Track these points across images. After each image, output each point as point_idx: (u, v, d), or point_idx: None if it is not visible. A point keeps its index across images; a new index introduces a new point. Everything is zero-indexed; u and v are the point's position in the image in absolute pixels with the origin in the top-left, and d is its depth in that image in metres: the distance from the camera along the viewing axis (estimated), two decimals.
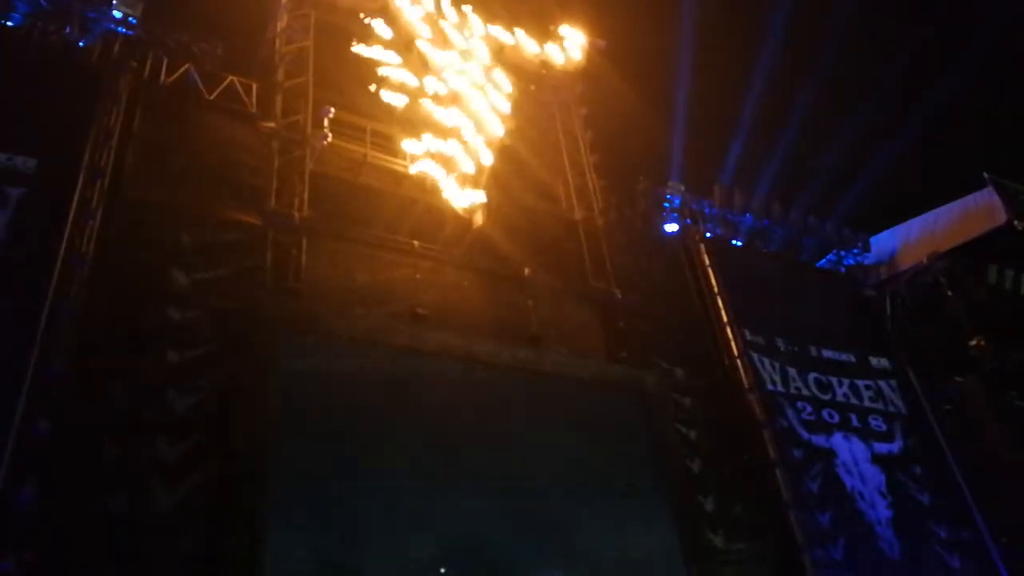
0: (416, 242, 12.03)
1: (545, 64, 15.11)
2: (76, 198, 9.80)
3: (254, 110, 11.96)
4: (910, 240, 17.16)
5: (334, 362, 10.32)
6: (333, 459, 9.60)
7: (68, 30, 11.48)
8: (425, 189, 12.07)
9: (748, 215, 16.35)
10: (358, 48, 12.68)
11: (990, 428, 16.41)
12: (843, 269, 17.51)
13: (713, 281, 14.72)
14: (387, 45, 12.90)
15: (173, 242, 10.28)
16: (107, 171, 10.22)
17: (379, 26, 13.05)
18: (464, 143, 12.62)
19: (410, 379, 10.79)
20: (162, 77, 11.68)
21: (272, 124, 11.72)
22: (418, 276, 11.70)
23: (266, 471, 9.08)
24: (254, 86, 12.16)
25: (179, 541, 8.34)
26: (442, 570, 9.57)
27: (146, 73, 11.52)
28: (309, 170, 11.57)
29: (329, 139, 11.78)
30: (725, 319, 14.35)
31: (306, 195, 11.36)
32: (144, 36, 11.59)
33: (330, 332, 10.63)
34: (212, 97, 11.87)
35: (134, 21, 11.51)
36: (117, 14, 11.51)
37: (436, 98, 12.75)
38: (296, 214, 11.17)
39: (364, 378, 10.43)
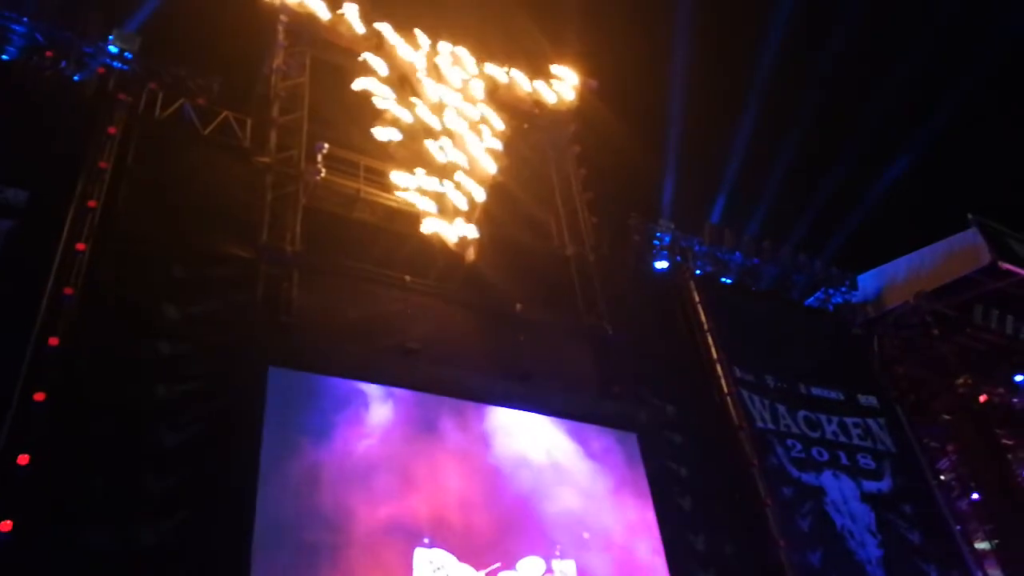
0: (408, 277, 12.05)
1: (538, 103, 15.30)
2: (66, 231, 9.82)
3: (248, 145, 12.03)
4: (897, 279, 17.36)
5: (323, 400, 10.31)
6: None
7: (64, 64, 11.55)
8: (418, 224, 12.12)
9: (737, 253, 16.52)
10: (356, 83, 12.81)
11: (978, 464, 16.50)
12: (831, 307, 17.67)
13: (703, 318, 14.83)
14: (382, 82, 13.04)
15: (164, 276, 10.27)
16: (99, 204, 10.22)
17: (374, 63, 13.20)
18: (457, 180, 12.72)
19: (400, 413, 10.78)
20: (157, 111, 11.76)
21: (266, 159, 11.77)
22: (410, 311, 11.69)
23: (252, 512, 8.99)
24: (249, 121, 12.25)
25: None
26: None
27: (141, 107, 11.59)
28: (302, 205, 11.60)
29: (323, 174, 11.84)
30: (715, 356, 14.42)
31: (299, 229, 11.37)
32: (140, 71, 11.66)
33: (321, 367, 10.60)
34: (207, 132, 11.94)
35: (130, 56, 11.58)
36: (114, 49, 11.59)
37: (430, 135, 12.87)
38: (288, 248, 11.17)
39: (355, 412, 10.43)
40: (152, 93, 11.76)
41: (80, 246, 9.78)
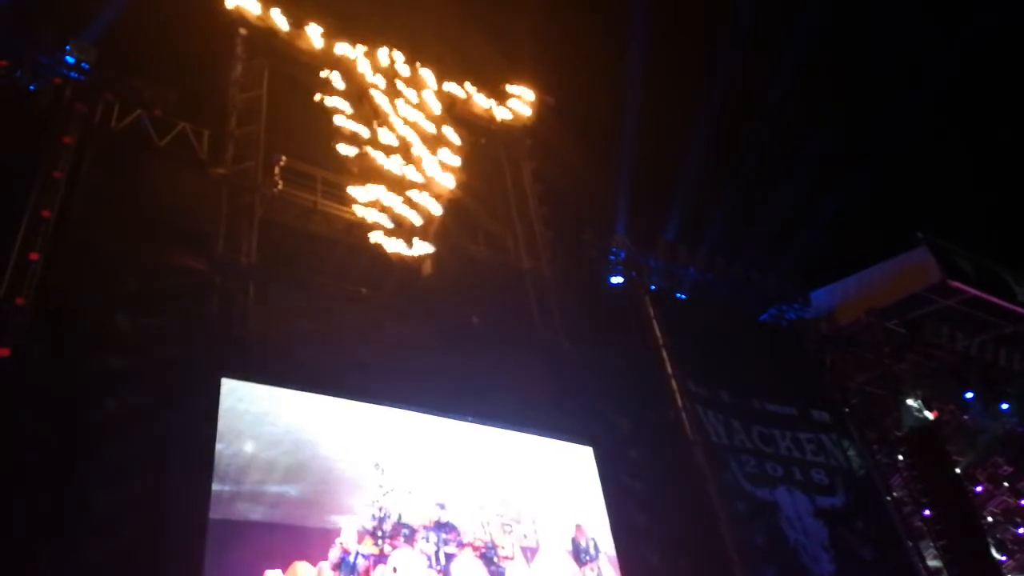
0: (364, 290, 12.10)
1: (495, 119, 15.53)
2: (19, 240, 9.74)
3: (205, 157, 12.03)
4: (849, 297, 17.71)
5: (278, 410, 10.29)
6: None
7: (19, 74, 11.49)
8: (374, 238, 12.18)
9: (691, 269, 16.74)
10: (315, 98, 12.91)
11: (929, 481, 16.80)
12: (784, 323, 17.94)
13: (658, 333, 14.98)
14: (340, 96, 13.14)
15: (117, 287, 10.21)
16: (53, 214, 10.15)
17: (333, 78, 13.31)
18: (414, 195, 12.83)
19: (355, 427, 10.80)
20: (113, 122, 11.72)
21: (223, 171, 11.78)
22: (365, 324, 11.72)
23: (204, 524, 8.92)
24: (206, 133, 12.25)
25: None
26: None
27: (97, 118, 11.54)
28: (259, 217, 11.63)
29: (280, 187, 11.90)
30: (670, 371, 14.55)
31: (255, 242, 11.39)
32: (96, 81, 11.64)
33: (275, 379, 10.58)
34: (163, 143, 11.93)
35: (87, 67, 11.56)
36: (70, 59, 11.57)
37: (387, 149, 12.98)
38: (244, 260, 11.18)
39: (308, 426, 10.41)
40: (108, 104, 11.71)
41: (33, 256, 9.70)
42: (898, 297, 17.02)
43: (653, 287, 16.01)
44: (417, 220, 12.59)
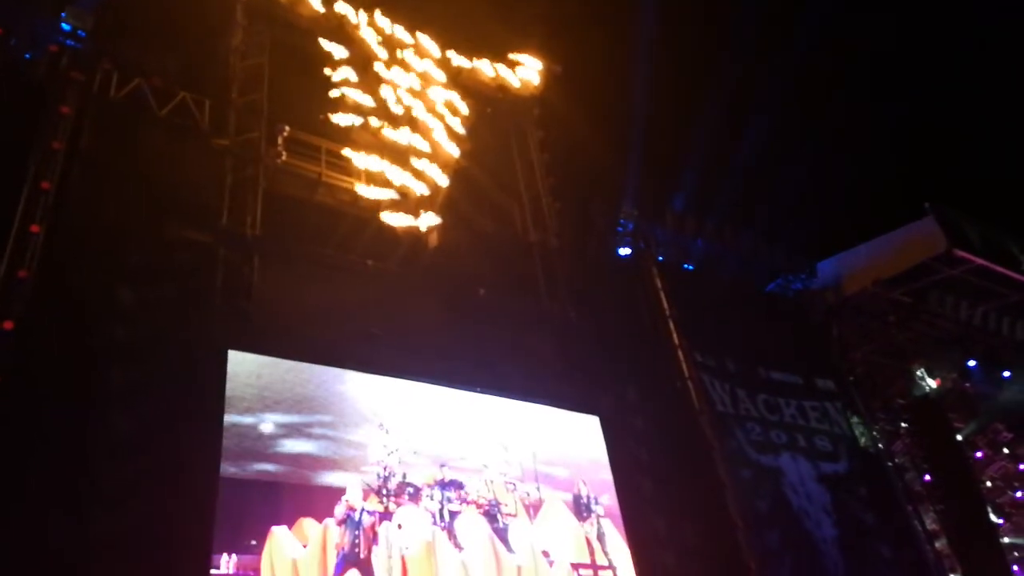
0: (370, 262, 12.00)
1: (502, 88, 15.27)
2: (19, 213, 9.60)
3: (206, 127, 11.82)
4: (855, 267, 17.67)
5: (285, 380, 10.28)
6: None
7: (14, 42, 11.22)
8: (380, 209, 12.04)
9: (700, 240, 16.70)
10: (318, 67, 12.66)
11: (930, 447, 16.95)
12: (791, 294, 17.94)
13: (665, 304, 14.97)
14: (343, 65, 12.88)
15: (120, 260, 10.08)
16: (53, 186, 9.97)
17: (336, 46, 13.03)
18: (419, 165, 12.66)
19: (361, 394, 10.84)
20: (112, 91, 11.47)
21: (225, 141, 11.58)
22: (371, 297, 11.64)
23: (215, 487, 8.94)
24: (207, 103, 11.99)
25: (122, 566, 8.08)
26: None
27: (95, 87, 11.28)
28: (262, 188, 11.46)
29: (283, 157, 11.71)
30: (676, 341, 14.58)
31: (259, 213, 11.24)
32: (93, 49, 11.36)
33: (282, 352, 10.55)
34: (163, 113, 11.70)
35: (83, 34, 11.28)
36: (66, 27, 11.28)
37: (392, 119, 12.76)
38: (248, 232, 11.04)
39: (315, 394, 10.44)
40: (106, 72, 11.42)
41: (34, 228, 9.54)
42: (904, 267, 16.99)
43: (661, 258, 15.96)
44: (423, 191, 12.43)
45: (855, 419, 16.23)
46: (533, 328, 13.09)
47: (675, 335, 14.58)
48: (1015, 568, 23.38)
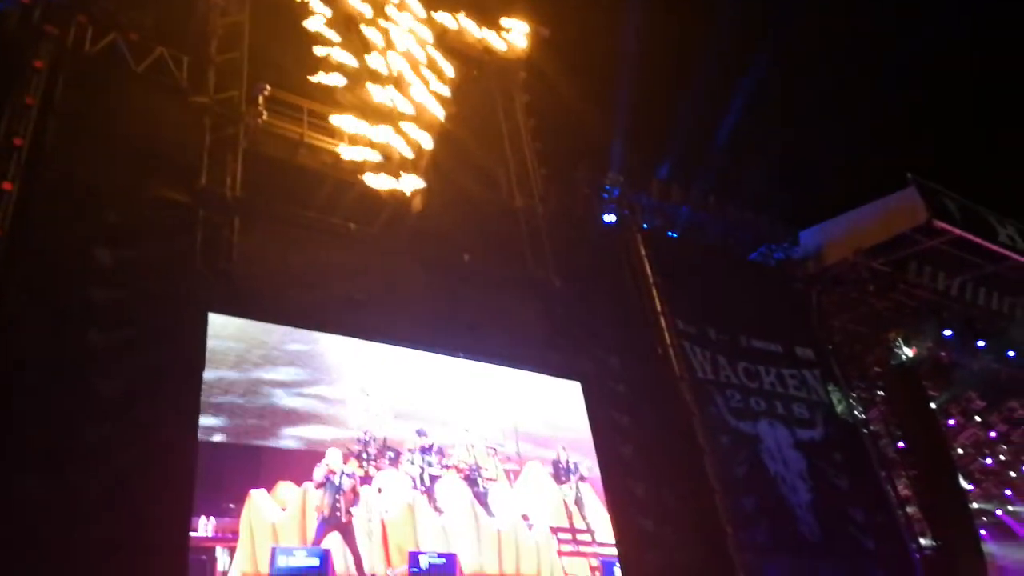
0: (352, 225, 11.86)
1: (488, 50, 15.03)
2: None
3: (185, 84, 11.53)
4: (837, 236, 17.78)
5: (265, 344, 10.22)
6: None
7: None
8: (362, 172, 11.87)
9: (684, 208, 16.70)
10: (300, 24, 12.35)
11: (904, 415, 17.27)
12: (773, 262, 18.05)
13: (649, 271, 15.01)
14: (327, 24, 12.58)
15: (96, 220, 9.87)
16: (26, 143, 9.71)
17: (319, 4, 12.71)
18: (404, 127, 12.46)
19: (342, 358, 10.80)
20: (87, 46, 11.14)
21: (204, 99, 11.31)
22: (354, 260, 11.53)
23: (194, 450, 8.91)
24: (185, 60, 11.69)
25: (101, 528, 8.06)
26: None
27: (69, 41, 10.93)
28: (243, 149, 11.24)
29: (264, 117, 11.49)
30: (659, 309, 14.65)
31: (239, 174, 11.04)
32: (68, 2, 11.00)
33: (263, 315, 10.47)
34: (140, 69, 11.40)
35: None
36: None
37: (376, 80, 12.52)
38: (228, 193, 10.85)
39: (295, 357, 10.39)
40: (81, 26, 11.07)
41: (7, 186, 9.31)
42: (885, 237, 17.12)
43: (645, 225, 15.95)
44: (407, 153, 12.26)
45: (832, 387, 16.45)
46: (517, 294, 13.07)
47: (658, 302, 14.64)
48: (983, 532, 24.10)
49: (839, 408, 16.21)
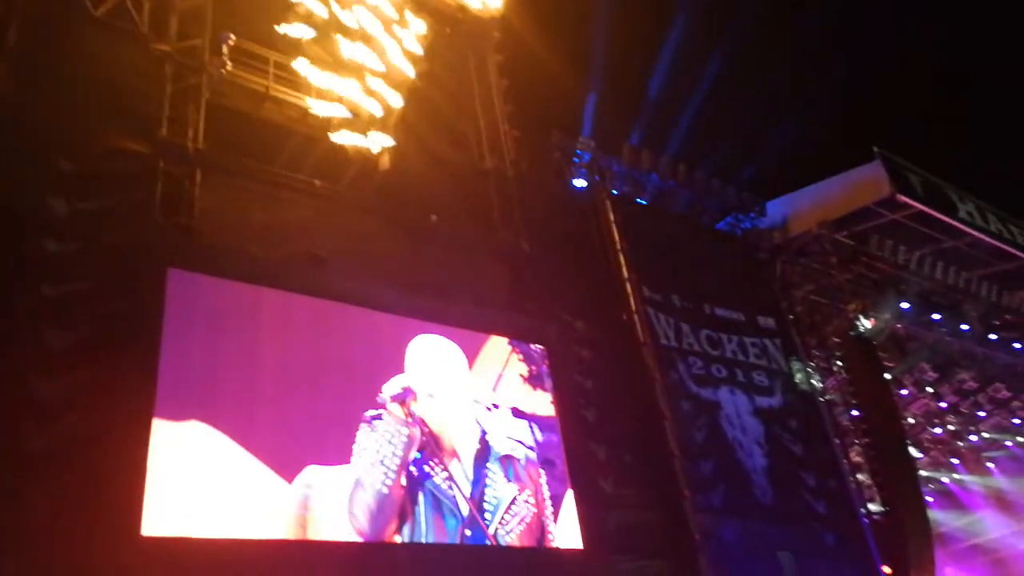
0: (318, 182, 11.65)
1: (462, 8, 14.72)
2: None
3: (146, 31, 11.12)
4: (802, 208, 17.99)
5: (226, 305, 10.04)
6: None
7: None
8: (329, 128, 11.64)
9: (654, 175, 16.71)
10: None
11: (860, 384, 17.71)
12: (740, 232, 18.20)
13: (617, 238, 15.02)
14: None
15: (51, 169, 9.53)
16: None
17: None
18: (373, 83, 12.20)
19: (309, 326, 10.66)
20: None
21: (165, 47, 10.95)
22: (319, 218, 11.36)
23: (149, 416, 8.80)
24: (146, 4, 11.25)
25: (53, 483, 7.95)
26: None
27: None
28: (205, 100, 10.94)
29: (228, 68, 11.17)
30: (626, 275, 14.70)
31: (201, 126, 10.75)
32: None
33: (224, 271, 10.27)
34: (99, 13, 10.95)
35: None
36: None
37: (345, 33, 12.21)
38: (190, 145, 10.58)
39: (259, 324, 10.22)
40: None
41: None
42: (849, 210, 17.38)
43: (615, 192, 15.93)
44: (376, 111, 12.03)
45: (792, 356, 16.75)
46: (484, 256, 13.03)
47: (625, 269, 14.69)
48: (929, 499, 24.98)
49: (797, 377, 16.54)
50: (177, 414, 8.96)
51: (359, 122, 11.81)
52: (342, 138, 11.64)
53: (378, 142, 11.82)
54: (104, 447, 8.35)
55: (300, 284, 10.76)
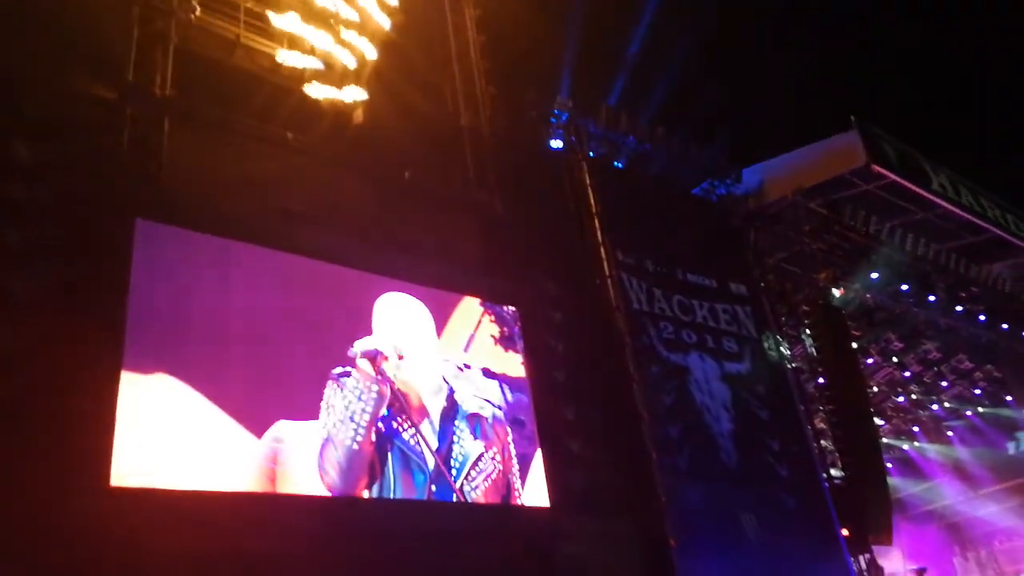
0: (290, 134, 11.43)
1: None
2: None
3: None
4: (778, 175, 18.00)
5: (194, 257, 9.89)
6: None
7: None
8: (302, 80, 11.39)
9: (631, 138, 16.60)
10: None
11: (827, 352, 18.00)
12: (714, 198, 18.21)
13: (592, 200, 14.94)
14: None
15: (14, 113, 9.25)
16: None
17: None
18: (346, 35, 11.93)
19: (279, 280, 10.55)
20: None
21: None
22: (290, 171, 11.17)
23: (118, 367, 8.71)
24: None
25: (18, 434, 7.85)
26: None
27: None
28: (174, 45, 10.65)
29: (197, 12, 10.86)
30: (600, 238, 14.67)
31: (170, 72, 10.49)
32: None
33: (193, 223, 10.10)
34: None
35: None
36: None
37: None
38: (158, 92, 10.33)
39: (228, 277, 10.09)
40: None
41: None
42: (824, 178, 17.43)
43: (592, 154, 15.82)
44: (350, 63, 11.78)
45: (762, 323, 16.91)
46: (458, 215, 12.93)
47: (599, 232, 14.66)
48: (889, 466, 25.63)
49: (766, 344, 16.72)
50: (144, 366, 8.87)
51: (332, 74, 11.58)
52: (315, 90, 11.40)
53: (351, 95, 11.59)
54: (71, 398, 8.27)
55: (270, 238, 10.62)
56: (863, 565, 15.45)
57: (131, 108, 10.09)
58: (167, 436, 8.73)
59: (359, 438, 10.03)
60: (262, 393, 9.67)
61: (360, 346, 10.45)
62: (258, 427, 9.40)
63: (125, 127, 10.01)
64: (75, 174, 9.36)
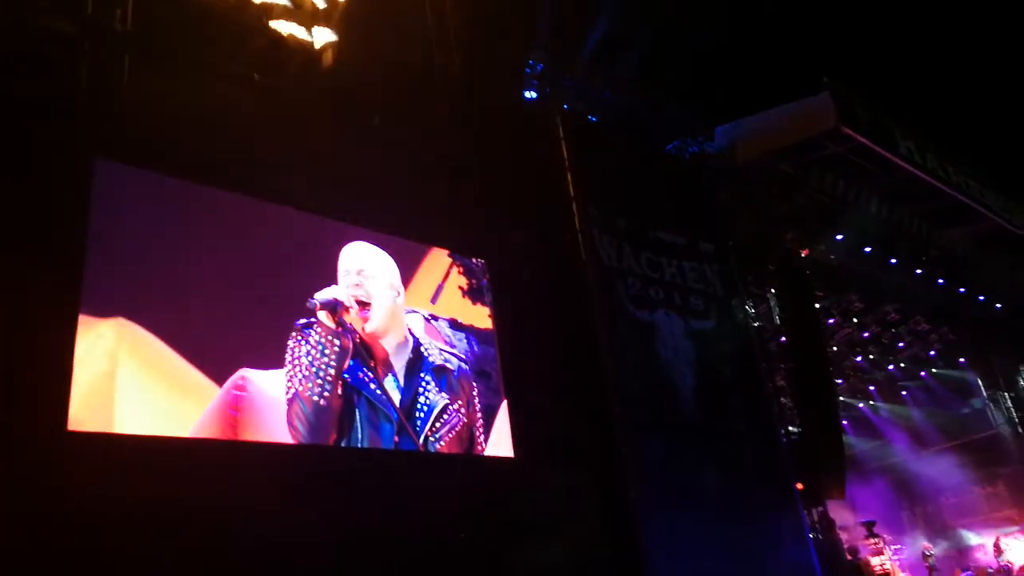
0: (256, 75, 11.11)
1: None
2: None
3: None
4: (750, 135, 17.93)
5: (155, 199, 9.65)
6: None
7: None
8: (270, 18, 11.01)
9: (607, 92, 16.41)
10: None
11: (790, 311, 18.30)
12: (687, 156, 18.17)
13: (565, 154, 14.80)
14: None
15: None
16: None
17: None
18: None
19: (243, 226, 10.35)
20: None
21: None
22: (257, 113, 10.87)
23: (76, 308, 8.53)
24: None
25: None
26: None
27: None
28: None
29: None
30: (572, 193, 14.59)
31: (130, 6, 10.08)
32: None
33: (155, 164, 9.83)
34: None
35: None
36: None
37: None
38: (119, 27, 9.93)
39: (190, 221, 9.87)
40: None
41: None
42: (795, 139, 17.41)
43: (566, 106, 15.62)
44: (319, 3, 11.40)
45: (728, 282, 17.08)
46: (428, 164, 12.74)
47: (571, 186, 14.57)
48: (845, 423, 26.34)
49: (732, 302, 16.92)
50: (103, 310, 8.73)
51: (302, 14, 11.22)
52: (283, 30, 11.04)
53: (321, 37, 11.26)
54: (27, 342, 8.12)
55: (234, 181, 10.40)
56: (815, 518, 15.95)
57: (89, 44, 9.70)
58: (125, 381, 8.63)
59: (326, 393, 10.01)
60: (224, 340, 9.56)
61: (320, 297, 10.34)
62: (219, 374, 9.32)
63: (84, 63, 9.64)
64: (29, 110, 9.04)
